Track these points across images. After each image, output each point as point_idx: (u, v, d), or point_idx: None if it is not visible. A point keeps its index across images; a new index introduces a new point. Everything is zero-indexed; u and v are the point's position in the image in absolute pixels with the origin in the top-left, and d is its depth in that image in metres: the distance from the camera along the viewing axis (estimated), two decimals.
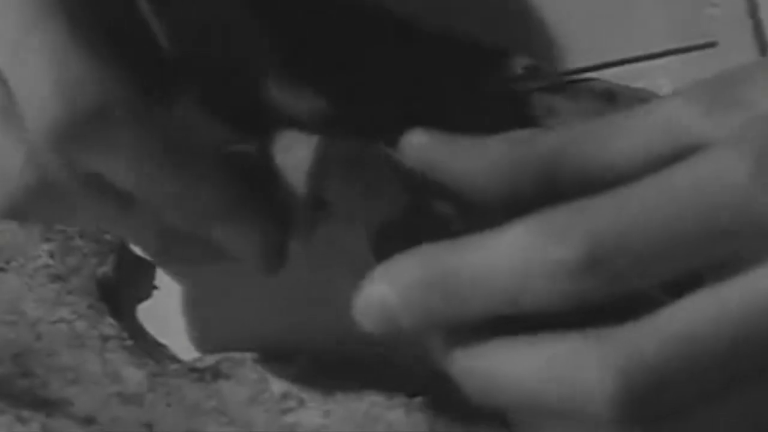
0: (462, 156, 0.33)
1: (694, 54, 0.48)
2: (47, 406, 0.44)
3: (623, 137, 0.33)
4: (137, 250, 0.47)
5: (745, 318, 0.30)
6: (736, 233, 0.30)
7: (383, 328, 0.33)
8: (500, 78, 0.48)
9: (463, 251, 0.31)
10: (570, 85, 0.49)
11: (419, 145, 0.34)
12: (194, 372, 0.45)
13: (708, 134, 0.32)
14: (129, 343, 0.45)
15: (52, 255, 0.47)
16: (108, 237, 0.48)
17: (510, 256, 0.30)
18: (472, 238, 0.31)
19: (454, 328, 0.32)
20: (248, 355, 0.45)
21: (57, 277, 0.47)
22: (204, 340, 0.47)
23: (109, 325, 0.46)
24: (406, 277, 0.32)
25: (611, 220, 0.30)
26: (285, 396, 0.44)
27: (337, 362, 0.45)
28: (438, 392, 0.44)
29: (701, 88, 0.33)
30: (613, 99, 0.47)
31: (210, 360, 0.45)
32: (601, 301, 0.30)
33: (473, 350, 0.32)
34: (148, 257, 0.46)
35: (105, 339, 0.45)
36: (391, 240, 0.35)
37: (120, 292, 0.47)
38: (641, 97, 0.46)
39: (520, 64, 0.48)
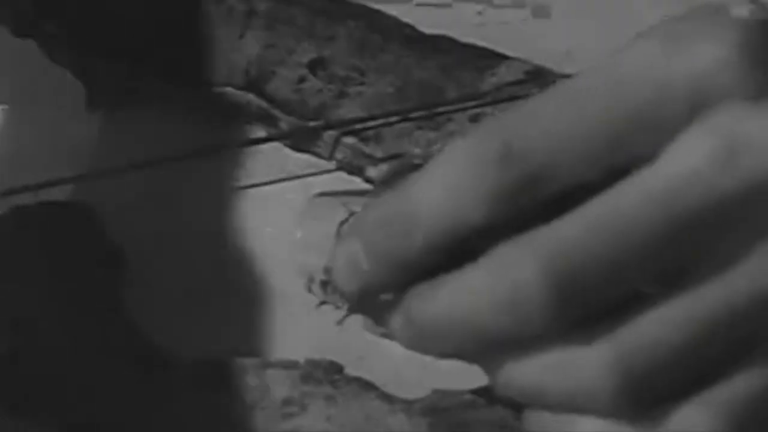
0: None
1: None
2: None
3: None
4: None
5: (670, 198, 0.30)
6: (649, 109, 0.31)
7: (355, 282, 0.33)
8: (502, 82, 0.48)
9: (410, 184, 0.32)
10: None
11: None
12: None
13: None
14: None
15: None
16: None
17: (444, 171, 0.31)
18: (419, 173, 0.32)
19: (406, 267, 0.32)
20: (249, 360, 0.45)
21: None
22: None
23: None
24: (363, 223, 0.33)
25: (526, 114, 0.31)
26: (286, 401, 0.44)
27: (335, 367, 0.44)
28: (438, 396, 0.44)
29: None
30: None
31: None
32: (529, 204, 0.31)
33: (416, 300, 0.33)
34: None
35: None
36: None
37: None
38: None
39: (521, 68, 0.48)
